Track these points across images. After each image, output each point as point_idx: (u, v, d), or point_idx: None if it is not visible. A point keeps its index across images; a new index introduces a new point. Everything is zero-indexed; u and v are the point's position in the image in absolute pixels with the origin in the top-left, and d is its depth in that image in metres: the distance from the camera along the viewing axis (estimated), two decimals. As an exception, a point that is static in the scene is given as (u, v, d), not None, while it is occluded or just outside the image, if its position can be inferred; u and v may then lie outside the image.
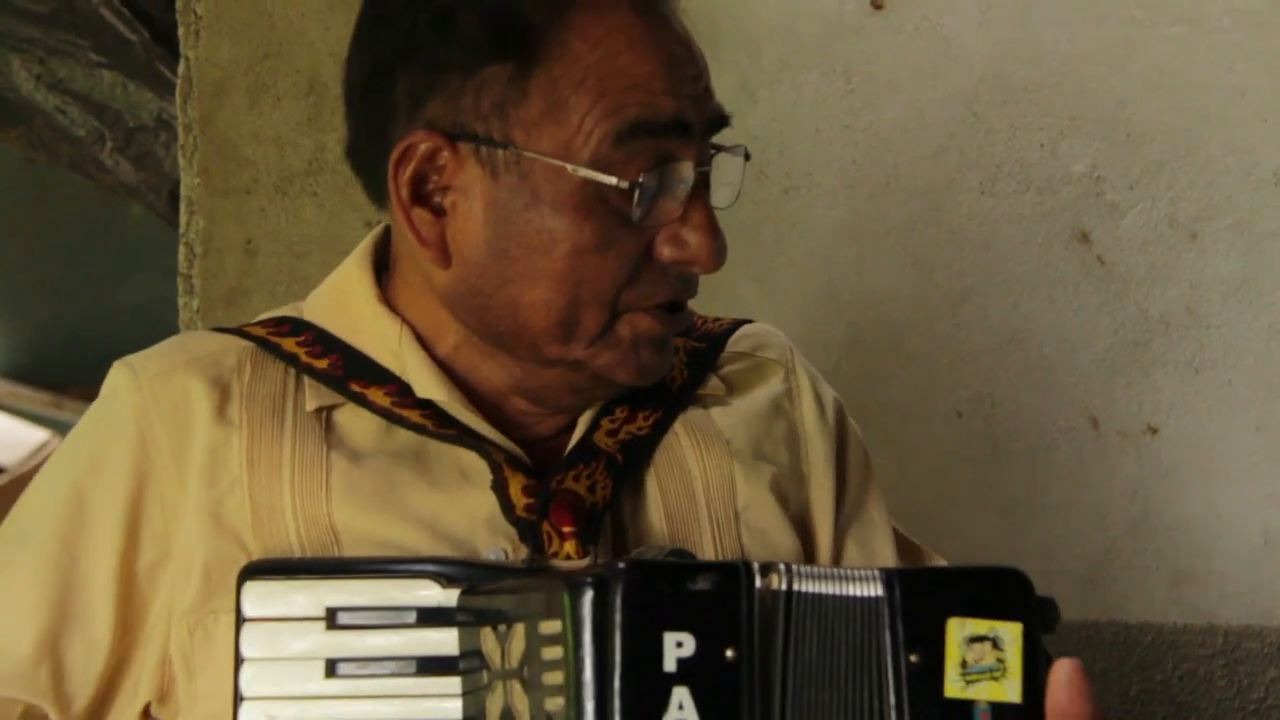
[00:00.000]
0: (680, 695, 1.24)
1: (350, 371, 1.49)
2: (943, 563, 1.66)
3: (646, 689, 1.23)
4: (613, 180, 1.39)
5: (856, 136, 2.35)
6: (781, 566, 1.30)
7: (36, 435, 6.23)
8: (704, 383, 1.57)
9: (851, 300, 2.36)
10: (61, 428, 6.26)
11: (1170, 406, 2.37)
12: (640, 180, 1.40)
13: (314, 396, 1.48)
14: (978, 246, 2.36)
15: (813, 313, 2.31)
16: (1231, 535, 2.37)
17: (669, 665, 1.24)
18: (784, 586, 1.29)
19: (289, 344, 1.51)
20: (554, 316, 1.43)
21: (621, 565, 1.26)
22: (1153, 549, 2.38)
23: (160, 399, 1.46)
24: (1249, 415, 2.37)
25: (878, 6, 2.34)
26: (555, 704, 1.26)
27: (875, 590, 1.31)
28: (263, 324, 1.54)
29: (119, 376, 1.49)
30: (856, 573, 1.32)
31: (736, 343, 1.62)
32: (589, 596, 1.24)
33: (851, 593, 1.31)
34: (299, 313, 1.55)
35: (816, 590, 1.30)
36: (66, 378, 6.50)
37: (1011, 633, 1.31)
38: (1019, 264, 2.36)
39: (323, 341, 1.51)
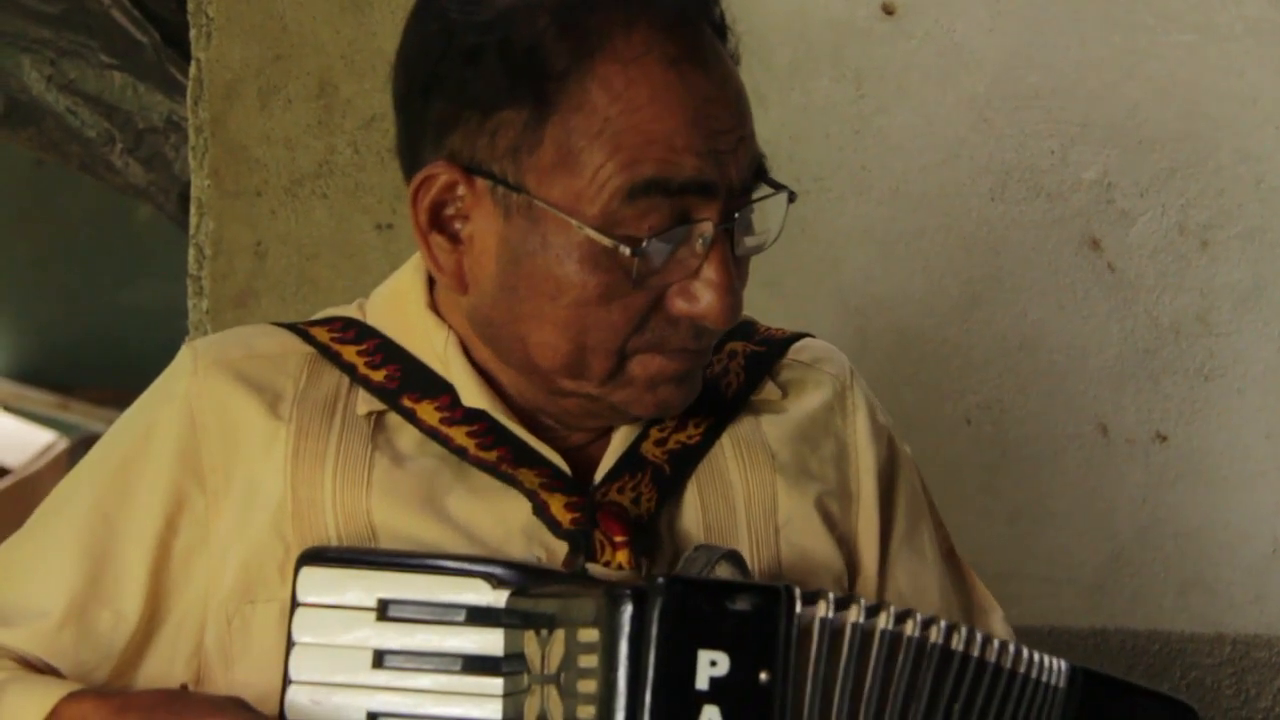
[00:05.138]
0: (710, 713, 1.25)
1: (405, 385, 1.49)
2: (994, 605, 1.65)
3: (677, 705, 1.25)
4: (614, 244, 1.37)
5: (867, 141, 2.35)
6: (830, 595, 1.31)
7: (43, 437, 6.24)
8: (760, 388, 1.56)
9: (860, 306, 2.36)
10: (68, 430, 6.27)
11: (1179, 414, 2.37)
12: (645, 245, 1.38)
13: (365, 402, 1.49)
14: (987, 253, 2.36)
15: (821, 318, 2.31)
16: (1240, 543, 2.37)
17: (701, 683, 1.25)
18: (829, 614, 1.30)
19: (349, 352, 1.51)
20: (560, 359, 1.43)
21: (661, 580, 1.27)
22: (1161, 557, 2.37)
23: (215, 388, 1.48)
24: (1259, 423, 2.36)
25: (889, 12, 2.34)
26: (587, 712, 1.27)
27: (1057, 682, 1.37)
28: (329, 326, 1.55)
29: (183, 358, 1.51)
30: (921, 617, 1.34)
31: (798, 352, 1.60)
32: (628, 608, 1.25)
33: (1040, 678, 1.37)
34: (363, 313, 1.56)
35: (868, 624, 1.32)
36: (73, 379, 6.51)
37: None
38: (1029, 270, 2.36)
39: (384, 350, 1.51)
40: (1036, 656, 1.39)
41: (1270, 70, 2.33)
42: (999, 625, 1.63)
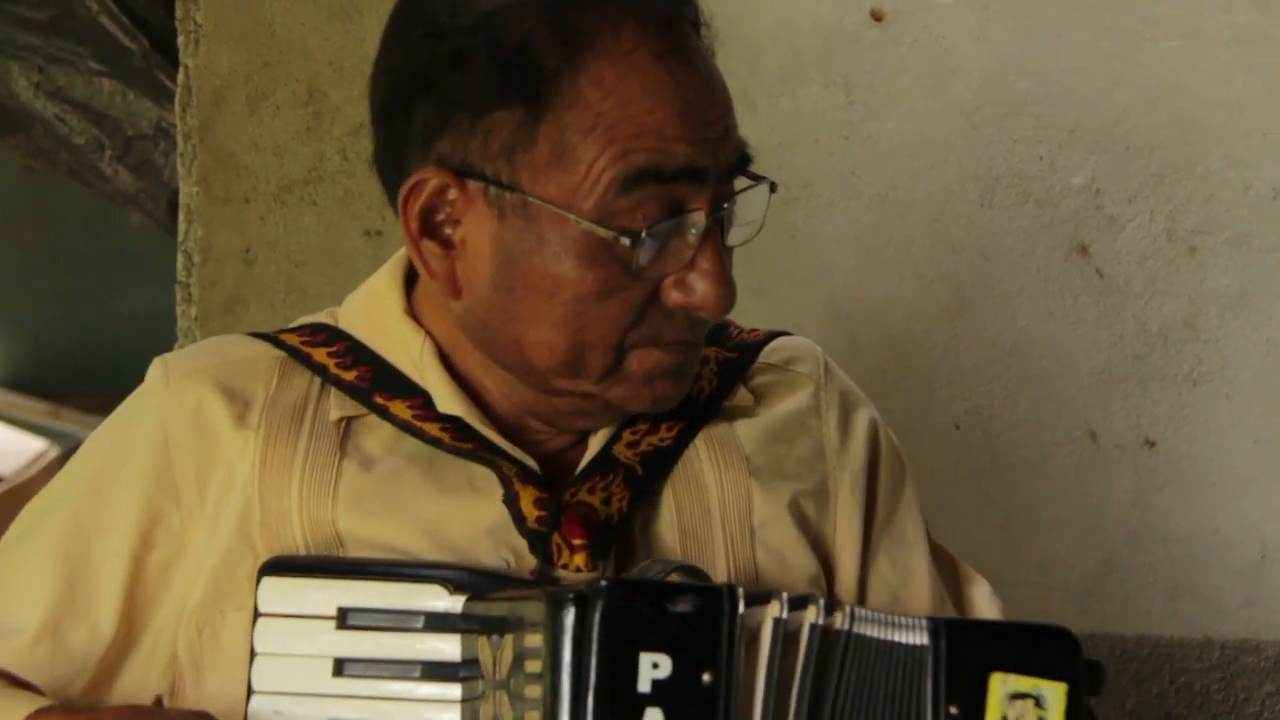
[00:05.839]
0: (653, 716, 1.26)
1: (376, 384, 1.50)
2: (977, 575, 1.66)
3: (619, 708, 1.25)
4: (613, 235, 1.39)
5: (856, 148, 2.35)
6: (783, 596, 1.31)
7: (34, 445, 6.23)
8: (732, 394, 1.56)
9: (850, 312, 2.36)
10: (59, 437, 6.26)
11: (1168, 420, 2.37)
12: (643, 236, 1.39)
13: (338, 406, 1.49)
14: (976, 259, 2.36)
15: (811, 324, 2.30)
16: (1229, 549, 2.37)
17: (643, 686, 1.25)
18: (782, 614, 1.31)
19: (320, 354, 1.52)
20: (558, 357, 1.43)
21: (604, 583, 1.28)
22: (1150, 562, 2.38)
23: (186, 400, 1.48)
24: (1247, 429, 2.37)
25: (878, 19, 2.34)
26: (533, 717, 1.27)
27: (918, 639, 1.33)
28: (299, 331, 1.55)
29: (154, 372, 1.52)
30: (890, 617, 1.35)
31: (770, 354, 1.61)
32: (570, 612, 1.26)
33: (896, 638, 1.34)
34: (334, 319, 1.56)
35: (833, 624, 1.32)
36: (65, 387, 6.49)
37: (1056, 692, 1.32)
38: (1018, 276, 2.36)
39: (355, 353, 1.52)
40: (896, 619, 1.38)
41: (1258, 77, 2.33)
42: (983, 598, 1.64)
